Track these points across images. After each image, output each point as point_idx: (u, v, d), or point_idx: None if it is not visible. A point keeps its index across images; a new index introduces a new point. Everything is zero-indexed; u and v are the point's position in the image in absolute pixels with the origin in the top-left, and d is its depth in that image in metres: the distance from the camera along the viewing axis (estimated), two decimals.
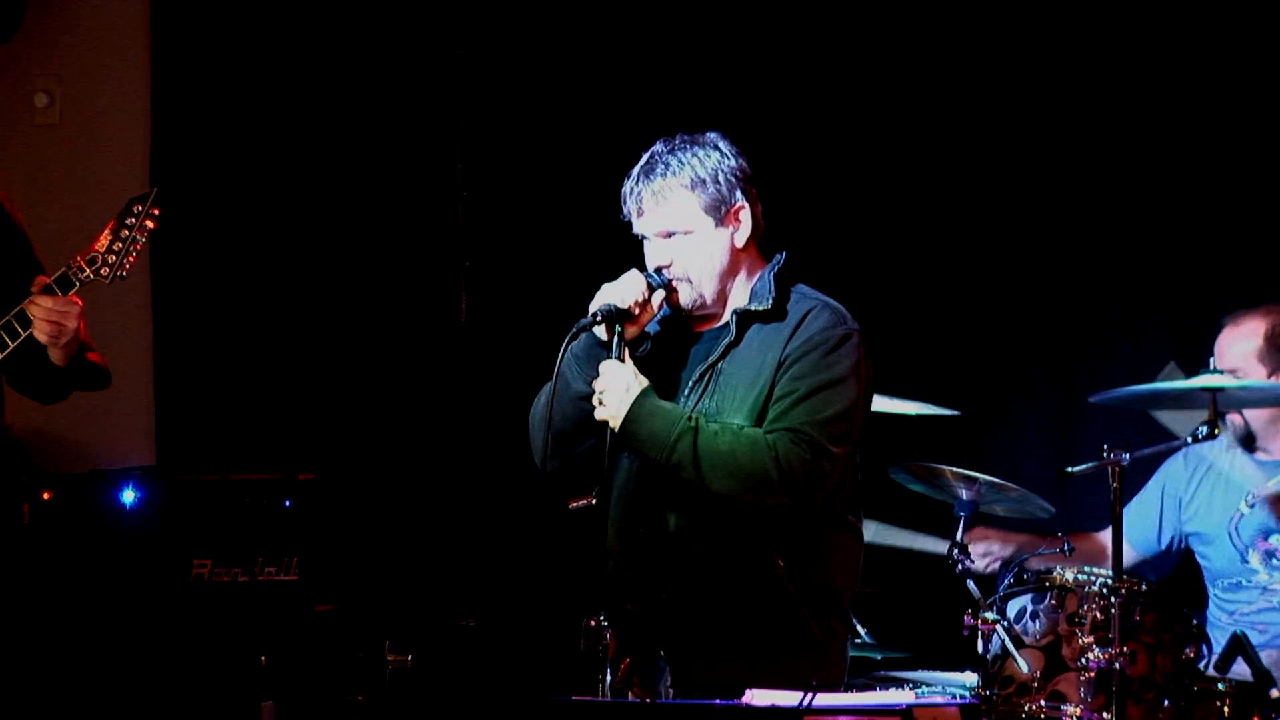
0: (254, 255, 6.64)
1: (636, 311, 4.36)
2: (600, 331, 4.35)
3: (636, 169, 4.46)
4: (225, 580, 5.76)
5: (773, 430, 4.28)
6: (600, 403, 4.32)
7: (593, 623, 4.16)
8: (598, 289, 4.47)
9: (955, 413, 5.71)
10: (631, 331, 4.38)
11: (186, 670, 5.67)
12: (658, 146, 4.47)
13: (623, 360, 4.32)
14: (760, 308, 4.39)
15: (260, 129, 6.66)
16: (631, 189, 4.43)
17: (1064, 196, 6.30)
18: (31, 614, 5.57)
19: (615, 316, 4.32)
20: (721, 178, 4.40)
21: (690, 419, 4.28)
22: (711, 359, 4.41)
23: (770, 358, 4.35)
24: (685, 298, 4.44)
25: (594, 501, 4.30)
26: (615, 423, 4.29)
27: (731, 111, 6.40)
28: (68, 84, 6.77)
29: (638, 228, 4.47)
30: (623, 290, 4.36)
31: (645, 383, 4.31)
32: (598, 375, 4.34)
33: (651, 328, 4.51)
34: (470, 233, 6.62)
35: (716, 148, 4.44)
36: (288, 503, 5.84)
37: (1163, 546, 5.70)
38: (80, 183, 6.69)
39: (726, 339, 4.41)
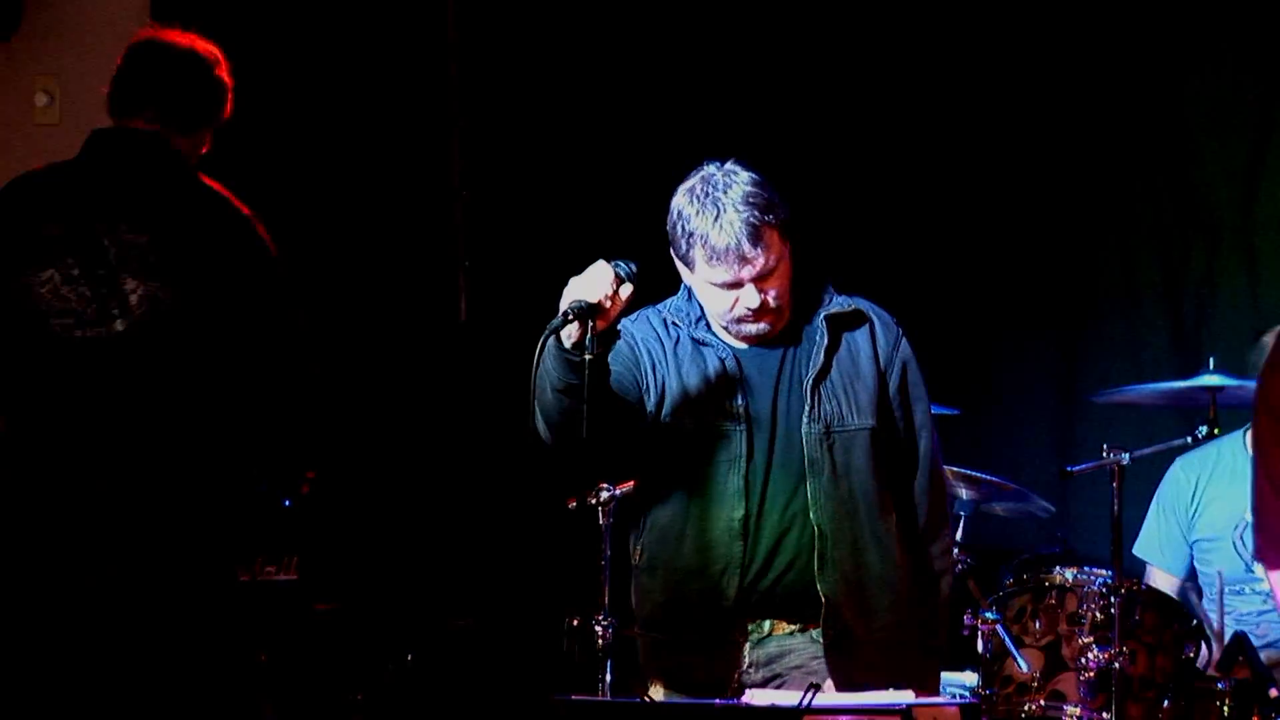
0: None
1: (607, 304, 4.15)
2: (572, 330, 4.15)
3: (716, 223, 4.17)
4: None
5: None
6: None
7: (576, 623, 4.14)
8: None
9: (955, 412, 5.70)
10: (602, 325, 4.16)
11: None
12: (718, 194, 4.18)
13: (594, 354, 4.12)
14: (845, 310, 4.32)
15: (258, 128, 6.63)
16: (726, 246, 4.16)
17: (1064, 196, 6.30)
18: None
19: (587, 312, 4.12)
20: (776, 193, 4.25)
21: None
22: (818, 366, 4.26)
23: (864, 355, 4.32)
24: (776, 329, 4.27)
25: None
26: None
27: (731, 110, 6.42)
28: (67, 84, 6.75)
29: (730, 277, 4.21)
30: (591, 283, 4.16)
31: None
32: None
33: (707, 339, 4.33)
34: (470, 233, 6.62)
35: (747, 169, 4.26)
36: (287, 503, 5.84)
37: (1189, 562, 5.66)
38: None
39: (822, 343, 4.27)
